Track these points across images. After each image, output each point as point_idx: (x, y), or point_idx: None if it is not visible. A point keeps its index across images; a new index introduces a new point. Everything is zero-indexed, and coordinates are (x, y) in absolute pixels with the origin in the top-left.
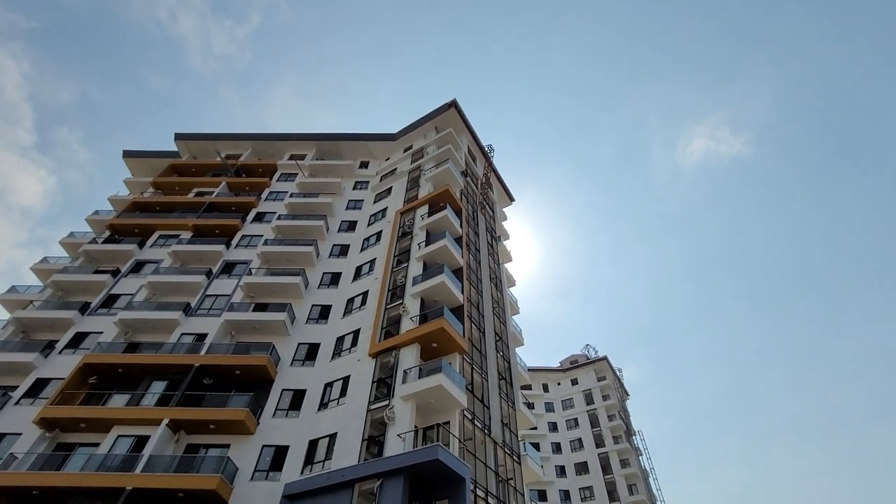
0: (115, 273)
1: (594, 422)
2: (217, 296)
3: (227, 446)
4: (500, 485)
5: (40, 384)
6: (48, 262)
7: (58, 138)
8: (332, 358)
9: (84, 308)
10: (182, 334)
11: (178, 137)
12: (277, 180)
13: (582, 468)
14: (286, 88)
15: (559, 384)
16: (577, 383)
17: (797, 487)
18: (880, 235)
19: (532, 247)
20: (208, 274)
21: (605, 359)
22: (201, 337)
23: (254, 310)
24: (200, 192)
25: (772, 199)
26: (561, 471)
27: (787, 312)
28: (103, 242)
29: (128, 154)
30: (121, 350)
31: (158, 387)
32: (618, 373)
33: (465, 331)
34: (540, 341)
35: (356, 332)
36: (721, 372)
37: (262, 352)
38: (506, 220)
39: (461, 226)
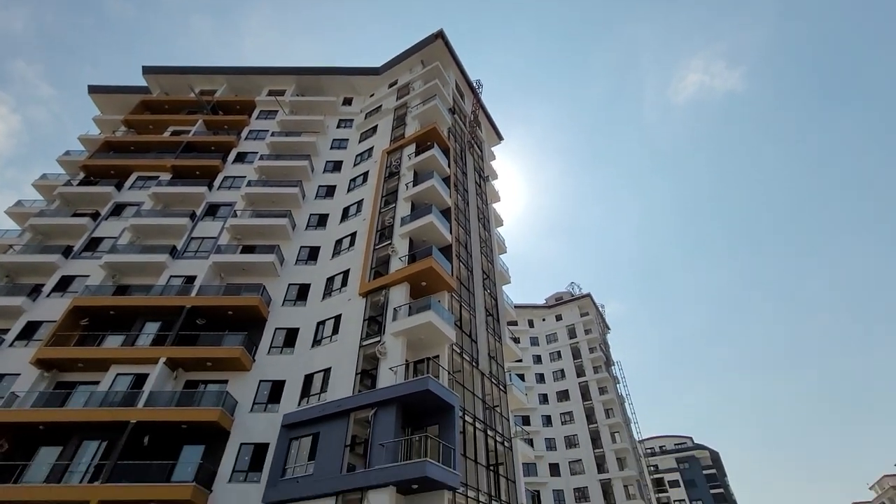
0: (94, 216)
1: (576, 354)
2: (203, 238)
3: (226, 382)
4: (486, 412)
5: (32, 327)
6: (23, 205)
7: (14, 72)
8: (323, 298)
9: (67, 252)
10: (171, 276)
11: (147, 71)
12: (257, 118)
13: (563, 396)
14: (262, 17)
15: (544, 320)
16: (561, 319)
17: (760, 409)
18: (865, 170)
19: (520, 186)
20: (192, 216)
21: (588, 296)
22: (190, 279)
23: (241, 252)
24: (176, 130)
25: (761, 137)
26: (544, 398)
27: (771, 248)
28: (79, 184)
29: (94, 90)
30: (110, 293)
31: (152, 328)
32: (600, 309)
33: (454, 270)
34: (527, 279)
35: (346, 273)
36: (700, 307)
37: (253, 293)
38: (494, 159)
39: (449, 165)
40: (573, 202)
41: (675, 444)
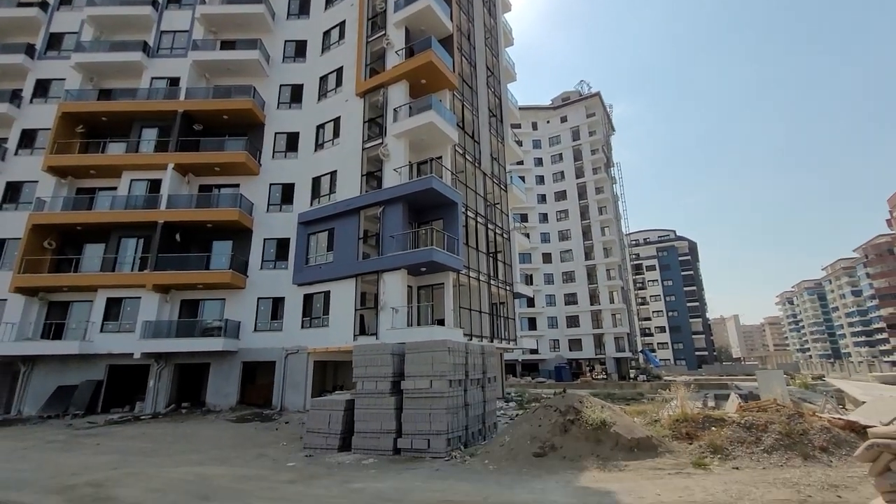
0: (42, 6)
1: (577, 156)
2: (174, 32)
3: (237, 185)
4: (487, 208)
5: (28, 136)
6: None
7: None
8: (319, 99)
9: (30, 51)
10: (153, 79)
11: None
12: None
13: (561, 196)
14: None
15: (548, 122)
16: (565, 120)
17: (743, 209)
18: None
19: None
20: (153, 4)
21: (597, 95)
22: (174, 81)
23: (221, 48)
24: None
25: None
26: (542, 198)
27: (789, 40)
28: None
29: None
30: (94, 98)
31: (150, 134)
32: (607, 109)
33: (455, 65)
34: (533, 77)
35: (339, 71)
36: (712, 109)
37: (244, 95)
38: None
39: None
40: None
41: (658, 237)
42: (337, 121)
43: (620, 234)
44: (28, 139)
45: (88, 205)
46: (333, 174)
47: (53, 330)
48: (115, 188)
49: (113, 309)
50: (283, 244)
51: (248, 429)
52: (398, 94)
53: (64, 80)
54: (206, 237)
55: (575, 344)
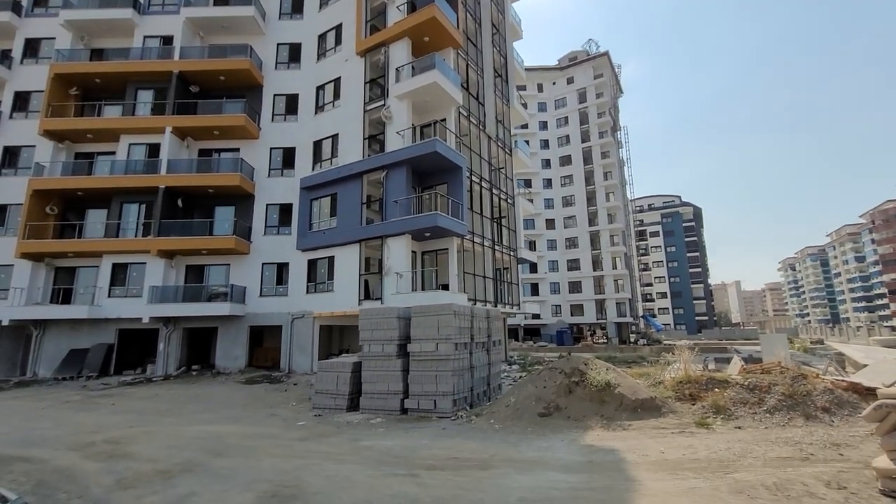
0: None
1: (583, 119)
2: None
3: (237, 150)
4: (492, 173)
5: (22, 98)
6: None
7: None
8: (318, 59)
9: (16, 8)
10: (145, 37)
11: None
12: None
13: (566, 161)
14: None
15: (554, 83)
16: (572, 82)
17: (750, 172)
18: None
19: None
20: None
21: (605, 54)
22: (168, 40)
23: (215, 4)
24: None
25: None
26: (546, 163)
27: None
28: None
29: None
30: (86, 58)
31: (146, 96)
32: (616, 69)
33: (459, 21)
34: (539, 36)
35: (338, 28)
36: (725, 66)
37: (241, 55)
38: None
39: None
40: None
41: (663, 203)
42: (337, 81)
43: (625, 200)
44: (22, 102)
45: (88, 169)
46: (335, 137)
47: (62, 295)
48: (113, 153)
49: (119, 274)
50: (285, 209)
51: (257, 390)
52: (400, 53)
53: (54, 39)
54: (208, 203)
55: (577, 309)
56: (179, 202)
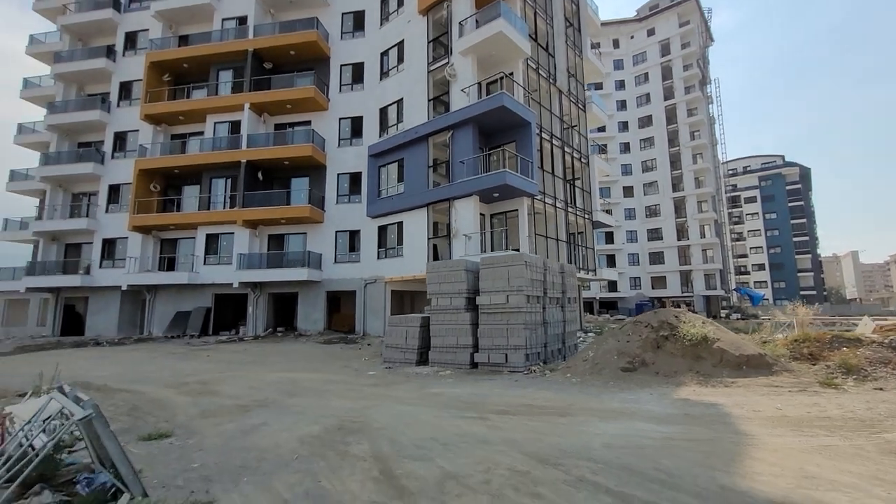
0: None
1: (666, 74)
2: None
3: (309, 122)
4: (564, 131)
5: (125, 88)
6: None
7: None
8: (381, 24)
9: (116, 5)
10: (223, 20)
11: None
12: None
13: (645, 122)
14: None
15: (632, 37)
16: (653, 34)
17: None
18: None
19: None
20: None
21: None
22: (242, 20)
23: None
24: None
25: None
26: (623, 126)
27: None
28: None
29: None
30: (174, 45)
31: (226, 76)
32: (706, 15)
33: None
34: None
35: None
36: (832, 5)
37: (308, 28)
38: None
39: None
40: None
41: (762, 164)
42: (400, 45)
43: (716, 162)
44: (126, 91)
45: (182, 149)
46: (400, 102)
47: (167, 263)
48: (202, 133)
49: (212, 244)
50: (355, 178)
51: (334, 348)
52: (463, 6)
53: (147, 30)
54: (284, 175)
55: (658, 282)
56: (259, 175)
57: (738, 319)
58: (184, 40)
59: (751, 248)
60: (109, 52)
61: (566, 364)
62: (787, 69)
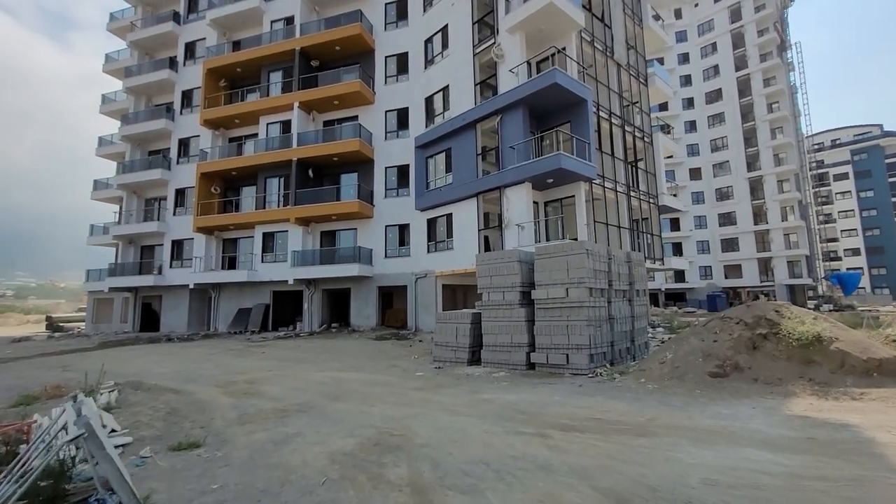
0: (175, 18)
1: (737, 42)
2: None
3: (356, 118)
4: (624, 108)
5: (187, 96)
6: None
7: None
8: (425, 10)
9: (177, 18)
10: (271, 22)
11: None
12: None
13: (714, 96)
14: None
15: (697, 5)
16: None
17: None
18: None
19: None
20: None
21: None
22: (290, 20)
23: None
24: None
25: None
26: (689, 103)
27: None
28: None
29: None
30: (229, 50)
31: (276, 77)
32: None
33: None
34: None
35: None
36: None
37: (353, 21)
38: None
39: None
40: None
41: (855, 136)
42: (444, 30)
43: (799, 136)
44: (187, 99)
45: (238, 151)
46: (445, 90)
47: (229, 262)
48: (255, 134)
49: (268, 242)
50: (403, 171)
51: (384, 345)
52: None
53: (204, 39)
54: (334, 171)
55: (732, 270)
56: (310, 172)
57: (830, 311)
58: (236, 45)
59: (842, 230)
60: (172, 63)
61: (638, 366)
62: (882, 30)
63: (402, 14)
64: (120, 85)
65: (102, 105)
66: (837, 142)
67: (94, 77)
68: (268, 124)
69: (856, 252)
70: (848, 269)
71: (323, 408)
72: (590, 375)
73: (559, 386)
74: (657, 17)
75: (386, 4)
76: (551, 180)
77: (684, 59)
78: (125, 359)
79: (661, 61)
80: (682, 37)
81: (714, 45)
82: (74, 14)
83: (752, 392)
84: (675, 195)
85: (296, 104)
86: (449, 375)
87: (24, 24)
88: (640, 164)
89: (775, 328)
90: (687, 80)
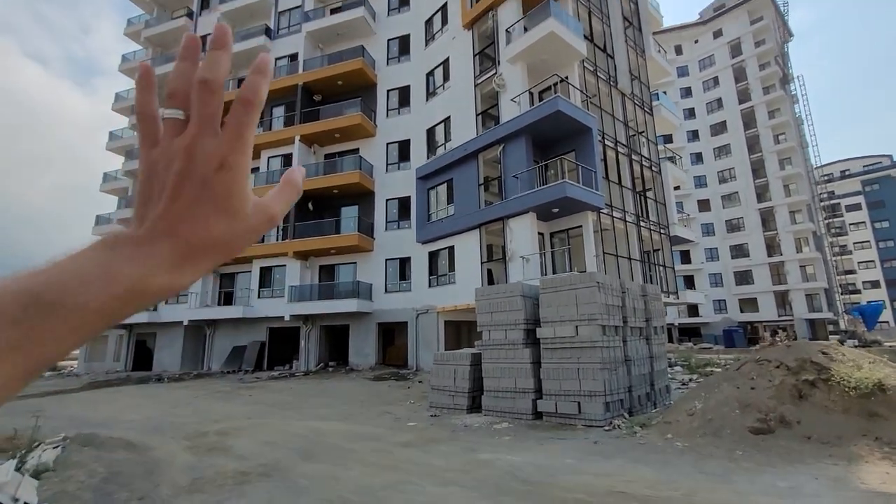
0: (189, 15)
1: (739, 76)
2: (290, 10)
3: (357, 150)
4: (630, 138)
5: None
6: (132, 23)
7: None
8: (426, 45)
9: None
10: (276, 59)
11: None
12: None
13: (718, 129)
14: None
15: (696, 42)
16: (720, 35)
17: None
18: None
19: None
20: None
21: None
22: (293, 57)
23: (330, 13)
24: None
25: None
26: (693, 135)
27: None
28: None
29: None
30: (234, 87)
31: (279, 112)
32: (781, 8)
33: None
34: None
35: (443, 8)
36: None
37: (355, 56)
38: None
39: None
40: None
41: (864, 166)
42: (446, 63)
43: (808, 166)
44: None
45: None
46: (447, 121)
47: (225, 297)
48: (257, 168)
49: (266, 277)
50: (404, 203)
51: (381, 386)
52: (509, 14)
53: None
54: (334, 203)
55: (748, 304)
56: (310, 205)
57: (856, 347)
58: (240, 83)
59: (859, 262)
60: None
61: (663, 417)
62: (880, 65)
63: (404, 49)
64: (126, 122)
65: (109, 142)
66: (847, 172)
67: (113, 119)
68: (269, 158)
69: (875, 284)
70: (868, 301)
71: (290, 471)
72: (606, 428)
73: (571, 441)
74: (659, 49)
75: (389, 40)
76: (557, 210)
77: (687, 92)
78: (102, 402)
79: (664, 93)
80: (683, 71)
81: (716, 79)
82: (101, 62)
83: (806, 454)
84: (686, 226)
85: (297, 138)
86: (445, 426)
87: (53, 71)
88: (649, 194)
89: (824, 373)
90: (691, 113)
